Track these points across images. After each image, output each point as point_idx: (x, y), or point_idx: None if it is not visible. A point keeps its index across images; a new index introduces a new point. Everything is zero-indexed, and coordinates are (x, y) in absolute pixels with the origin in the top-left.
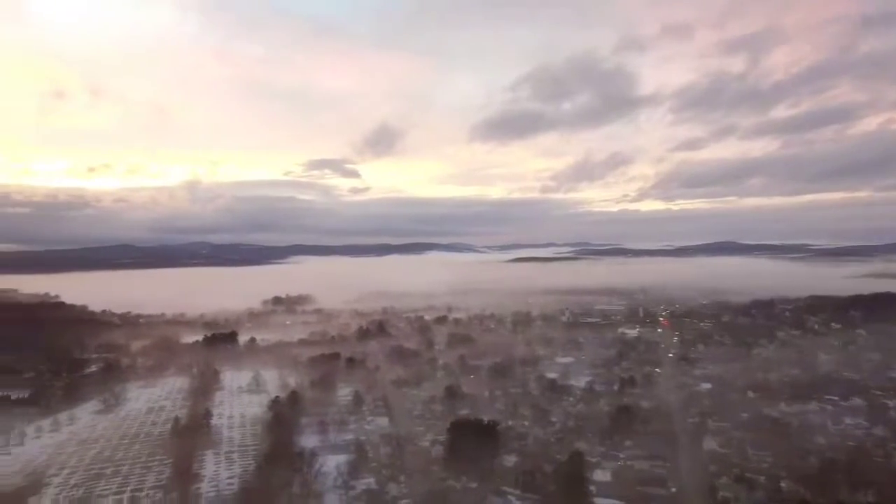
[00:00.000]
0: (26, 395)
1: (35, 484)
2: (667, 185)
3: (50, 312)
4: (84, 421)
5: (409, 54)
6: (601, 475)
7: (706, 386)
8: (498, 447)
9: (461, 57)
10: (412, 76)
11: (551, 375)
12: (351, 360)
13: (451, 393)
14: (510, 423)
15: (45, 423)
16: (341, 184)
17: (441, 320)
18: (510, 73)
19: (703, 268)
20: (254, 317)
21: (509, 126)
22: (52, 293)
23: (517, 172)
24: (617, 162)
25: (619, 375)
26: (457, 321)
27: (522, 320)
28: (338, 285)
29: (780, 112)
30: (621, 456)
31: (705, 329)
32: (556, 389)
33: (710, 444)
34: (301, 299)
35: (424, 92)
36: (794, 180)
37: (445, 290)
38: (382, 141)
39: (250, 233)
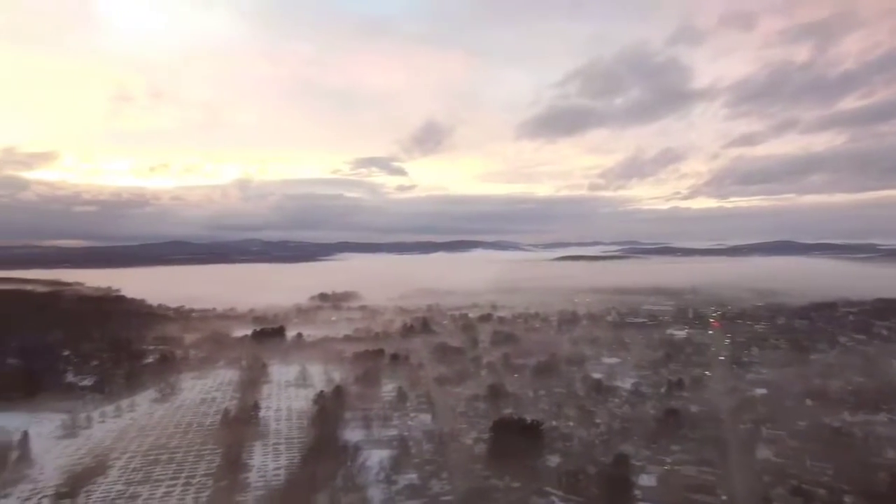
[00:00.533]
0: (92, 382)
1: (101, 465)
2: (720, 182)
3: (112, 305)
4: (143, 408)
5: (456, 52)
6: (647, 479)
7: (760, 391)
8: (541, 447)
9: (509, 53)
10: (459, 74)
11: (597, 376)
12: (395, 357)
13: (495, 391)
14: (554, 423)
15: (109, 408)
16: (388, 181)
17: (485, 318)
18: (559, 69)
19: (757, 268)
20: (301, 312)
21: (557, 122)
22: (114, 287)
23: (564, 170)
24: (668, 158)
25: (667, 378)
26: (501, 319)
27: (568, 319)
28: (383, 282)
29: (849, 103)
30: (668, 461)
31: (759, 332)
32: (601, 390)
33: (764, 452)
34: (347, 296)
35: (471, 89)
36: (861, 176)
37: (490, 288)
38: (429, 139)
39: (299, 230)
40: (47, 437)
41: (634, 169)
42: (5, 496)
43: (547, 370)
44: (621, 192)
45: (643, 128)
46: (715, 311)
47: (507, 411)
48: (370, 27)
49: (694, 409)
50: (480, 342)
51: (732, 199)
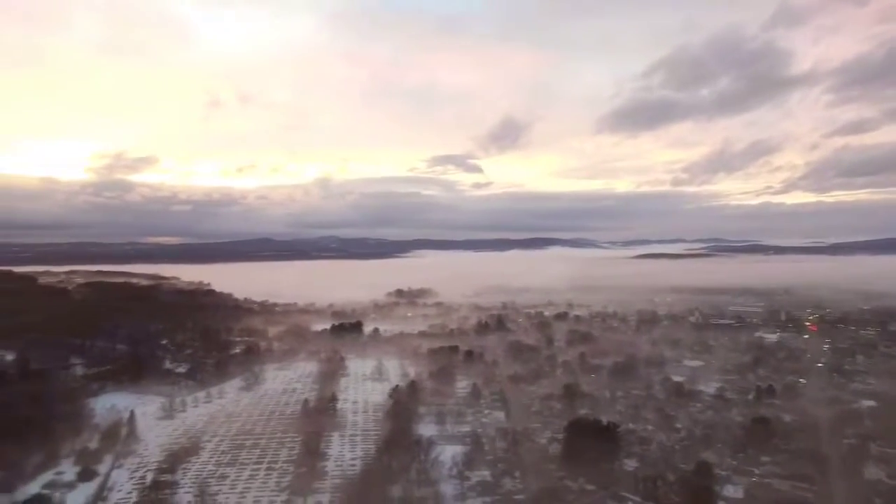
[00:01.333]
0: (186, 370)
1: (194, 446)
2: (820, 175)
3: (203, 298)
4: (230, 396)
5: (533, 47)
6: (732, 490)
7: (868, 403)
8: (618, 450)
9: (587, 47)
10: (536, 69)
11: (678, 379)
12: (469, 354)
13: (570, 391)
14: (632, 426)
15: (201, 394)
16: (464, 179)
17: (561, 317)
18: (642, 61)
19: (862, 268)
20: (378, 308)
21: (639, 116)
22: (206, 281)
23: (645, 164)
24: (760, 150)
25: (756, 383)
26: (577, 318)
27: (647, 319)
28: (458, 279)
29: None
30: (756, 472)
31: (867, 338)
32: (682, 394)
33: (874, 472)
34: (422, 292)
35: (548, 85)
36: None
37: (566, 286)
38: (505, 135)
39: (376, 227)
40: (150, 417)
41: (721, 162)
42: (119, 466)
43: (624, 371)
44: (706, 187)
45: (732, 119)
46: (812, 314)
47: (583, 412)
48: (445, 26)
49: (787, 418)
50: (556, 341)
51: (834, 192)
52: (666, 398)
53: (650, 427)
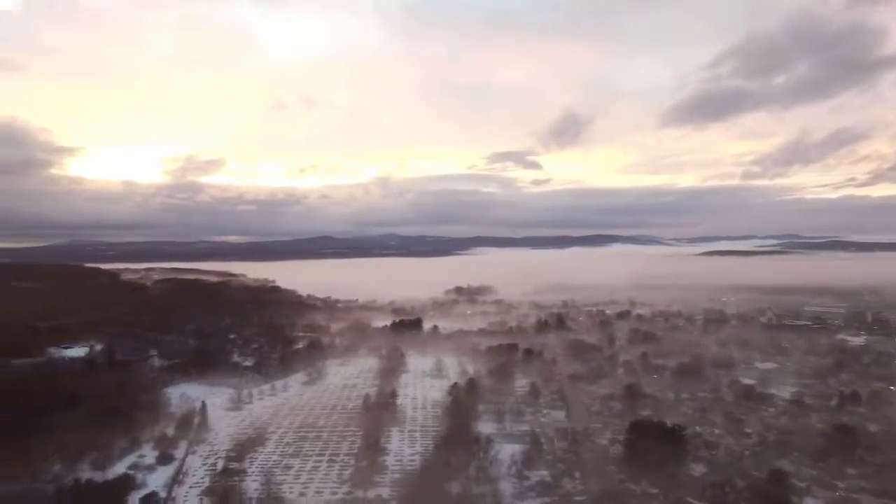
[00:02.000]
0: (252, 363)
1: (260, 437)
2: None
3: (269, 295)
4: (294, 389)
5: (593, 40)
6: None
7: None
8: (683, 454)
9: (651, 38)
10: (596, 62)
11: (748, 381)
12: (529, 352)
13: (632, 392)
14: (698, 429)
15: (266, 387)
16: (523, 176)
17: (623, 315)
18: (708, 50)
19: None
20: (437, 305)
21: (706, 108)
22: (271, 278)
23: (713, 158)
24: (842, 140)
25: (838, 389)
26: (640, 317)
27: (714, 319)
28: (517, 277)
29: None
30: (840, 485)
31: None
32: (753, 398)
33: None
34: (482, 290)
35: (610, 78)
36: None
37: (628, 284)
38: (565, 131)
39: (435, 225)
40: (219, 407)
41: (797, 154)
42: (192, 453)
43: (690, 372)
44: (780, 181)
45: (810, 107)
46: None
47: (645, 413)
48: (502, 20)
49: (873, 428)
50: (617, 340)
51: None
52: (735, 401)
53: (718, 431)
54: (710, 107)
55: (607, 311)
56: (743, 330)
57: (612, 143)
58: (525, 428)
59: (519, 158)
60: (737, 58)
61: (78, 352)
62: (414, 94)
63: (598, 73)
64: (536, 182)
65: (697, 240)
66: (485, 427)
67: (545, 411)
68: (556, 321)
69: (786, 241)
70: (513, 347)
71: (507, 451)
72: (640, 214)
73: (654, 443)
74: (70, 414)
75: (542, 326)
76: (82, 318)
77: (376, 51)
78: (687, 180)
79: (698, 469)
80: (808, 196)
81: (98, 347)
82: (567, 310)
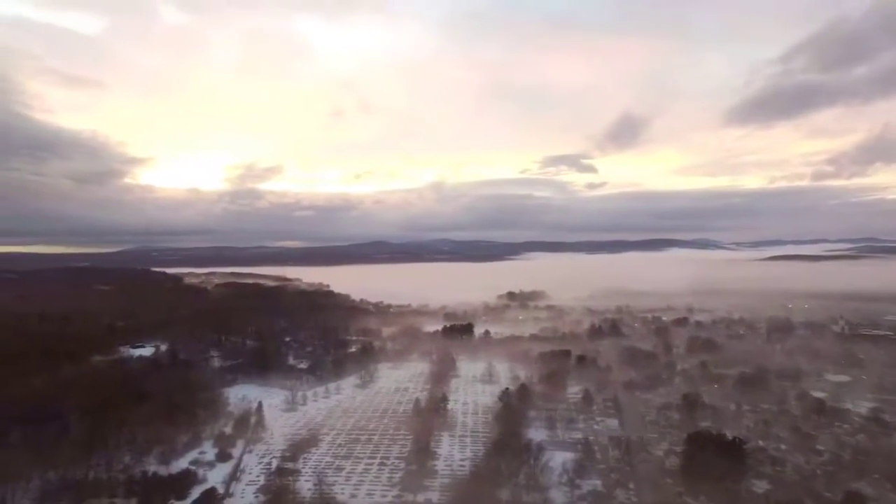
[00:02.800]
0: (307, 366)
1: (314, 437)
2: None
3: (323, 299)
4: (347, 392)
5: (651, 38)
6: None
7: None
8: (745, 469)
9: (713, 34)
10: (655, 62)
11: (818, 395)
12: (581, 358)
13: (690, 401)
14: (761, 443)
15: (320, 389)
16: (577, 179)
17: (680, 322)
18: (780, 43)
19: None
20: (489, 310)
21: (774, 104)
22: (325, 283)
23: (779, 158)
24: None
25: None
26: (698, 324)
27: (780, 327)
28: (570, 282)
29: None
30: None
31: None
32: (824, 412)
33: None
34: (534, 295)
35: (668, 78)
36: None
37: (686, 290)
38: (621, 133)
39: (488, 229)
40: (275, 408)
41: (878, 151)
42: (249, 451)
43: (753, 383)
44: (857, 180)
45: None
46: None
47: (704, 424)
48: (557, 22)
49: None
50: (674, 347)
51: None
52: (803, 416)
53: (784, 447)
54: (778, 103)
55: (664, 318)
56: (812, 339)
57: (671, 144)
58: (577, 436)
59: (573, 162)
60: (811, 50)
61: (146, 351)
62: (469, 99)
63: (658, 71)
64: (591, 186)
65: (761, 244)
66: (536, 434)
67: (598, 419)
68: (610, 327)
69: (862, 244)
70: (565, 353)
71: (559, 459)
72: (700, 218)
73: (713, 456)
74: (138, 409)
75: (596, 333)
76: (149, 319)
77: (432, 56)
78: (751, 181)
79: (761, 486)
80: (889, 197)
81: (163, 347)
82: (621, 316)
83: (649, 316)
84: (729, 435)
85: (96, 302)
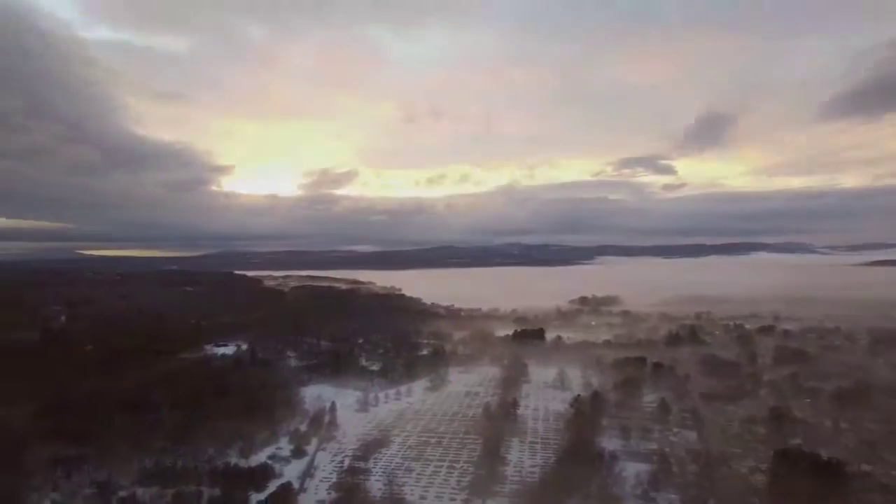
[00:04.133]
0: (378, 368)
1: (385, 439)
2: None
3: (395, 302)
4: (417, 395)
5: (736, 31)
6: None
7: None
8: (845, 493)
9: (809, 20)
10: (742, 54)
11: None
12: (658, 366)
13: (778, 415)
14: (865, 467)
15: (391, 392)
16: (654, 181)
17: (766, 330)
18: (885, 27)
19: None
20: (561, 315)
21: (880, 95)
22: (397, 286)
23: (883, 154)
24: None
25: None
26: (786, 333)
27: (884, 338)
28: (646, 287)
29: None
30: None
31: None
32: None
33: None
34: (607, 300)
35: (756, 71)
36: None
37: (772, 297)
38: (702, 132)
39: (560, 233)
40: (347, 408)
41: None
42: (322, 449)
43: (852, 398)
44: None
45: None
46: None
47: (795, 441)
48: (633, 18)
49: None
50: (760, 357)
51: None
52: None
53: (895, 473)
54: (885, 94)
55: (747, 326)
56: None
57: (757, 141)
58: (653, 446)
59: (650, 163)
60: None
61: (228, 350)
62: (541, 101)
63: (744, 65)
64: (669, 187)
65: (860, 247)
66: (609, 443)
67: (675, 430)
68: (688, 334)
69: None
70: (640, 361)
71: (632, 470)
72: (789, 220)
73: (806, 476)
74: (221, 404)
75: (673, 340)
76: (231, 320)
77: (503, 59)
78: (849, 180)
79: None
80: None
81: (244, 347)
82: (701, 323)
83: (731, 323)
84: (825, 455)
85: (184, 302)
